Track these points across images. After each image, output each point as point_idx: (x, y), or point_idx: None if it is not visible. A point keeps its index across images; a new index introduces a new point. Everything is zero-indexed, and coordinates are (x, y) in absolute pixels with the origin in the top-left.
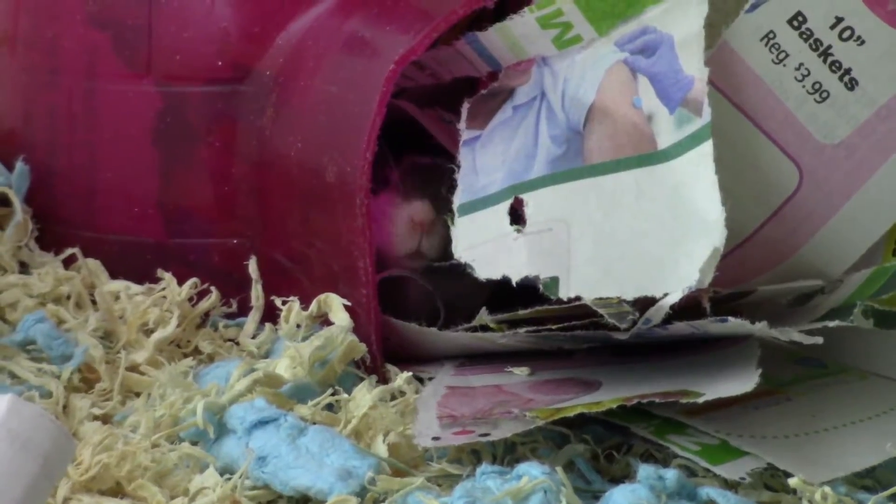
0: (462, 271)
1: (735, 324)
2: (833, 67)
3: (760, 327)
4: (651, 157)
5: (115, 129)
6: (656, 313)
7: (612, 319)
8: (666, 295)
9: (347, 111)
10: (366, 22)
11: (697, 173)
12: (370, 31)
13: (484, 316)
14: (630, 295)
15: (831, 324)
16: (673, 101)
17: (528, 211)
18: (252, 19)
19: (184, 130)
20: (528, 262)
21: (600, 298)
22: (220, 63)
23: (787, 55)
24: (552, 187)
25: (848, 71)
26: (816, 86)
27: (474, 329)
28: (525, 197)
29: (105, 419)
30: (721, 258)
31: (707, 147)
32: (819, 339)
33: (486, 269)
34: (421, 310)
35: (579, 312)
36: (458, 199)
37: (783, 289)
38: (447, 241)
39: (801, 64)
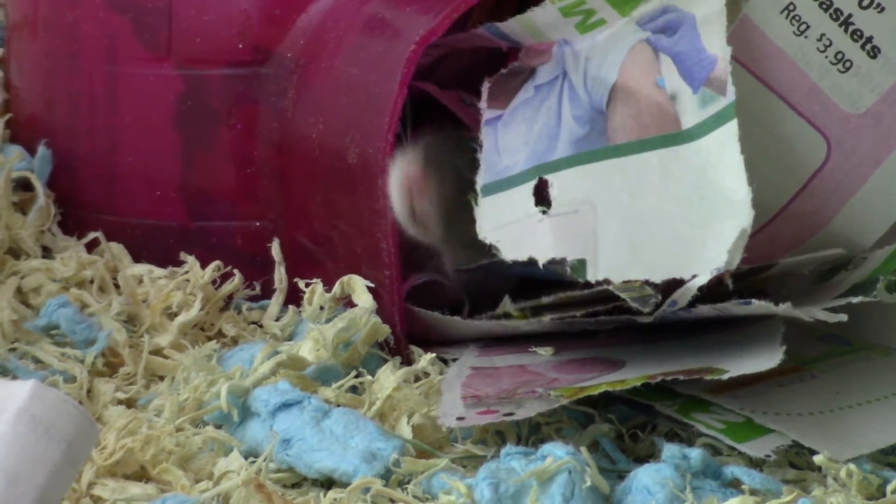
0: (485, 266)
1: (759, 305)
2: (854, 36)
3: (784, 308)
4: (675, 137)
5: (136, 112)
6: (683, 296)
7: (636, 304)
8: (694, 277)
9: (368, 92)
10: (386, 3)
11: (723, 153)
12: (390, 12)
13: (507, 304)
14: (658, 277)
15: (855, 300)
16: (696, 81)
17: (553, 192)
18: (272, 1)
19: (205, 113)
20: (554, 245)
21: (624, 282)
22: (240, 46)
23: (808, 26)
24: (577, 168)
25: (870, 39)
26: (839, 56)
27: (498, 318)
28: (550, 178)
29: (129, 403)
30: (751, 235)
31: (732, 127)
32: (843, 317)
33: (511, 251)
34: (444, 299)
35: (602, 297)
36: (481, 180)
37: (804, 260)
38: (448, 209)
39: (822, 34)
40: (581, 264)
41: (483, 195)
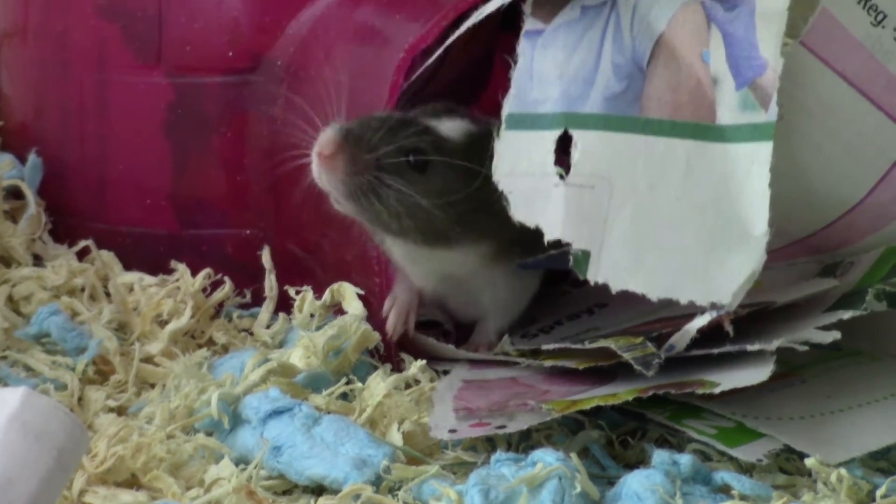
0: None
1: (754, 348)
2: None
3: (778, 343)
4: (707, 130)
5: (126, 120)
6: (681, 339)
7: (638, 366)
8: (691, 318)
9: (358, 101)
10: (376, 11)
11: (750, 174)
12: (380, 20)
13: (506, 345)
14: (655, 294)
15: (845, 315)
16: (741, 77)
17: (575, 156)
18: (262, 9)
19: (195, 121)
20: (564, 221)
21: (625, 339)
22: (230, 53)
23: (885, 16)
24: (604, 133)
25: None
26: None
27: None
28: (576, 135)
29: (120, 411)
30: (829, 224)
31: (766, 150)
32: (837, 335)
33: (521, 210)
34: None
35: (604, 352)
36: (508, 106)
37: (800, 296)
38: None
39: None
40: (585, 257)
41: (507, 127)
